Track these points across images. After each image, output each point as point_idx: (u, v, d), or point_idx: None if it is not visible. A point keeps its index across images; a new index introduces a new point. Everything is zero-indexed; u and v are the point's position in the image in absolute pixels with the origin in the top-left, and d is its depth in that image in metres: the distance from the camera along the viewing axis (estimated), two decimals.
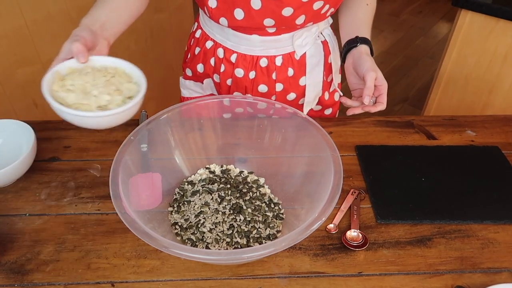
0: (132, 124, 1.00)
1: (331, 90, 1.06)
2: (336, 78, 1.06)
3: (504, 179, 0.87)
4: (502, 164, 0.91)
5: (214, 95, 1.04)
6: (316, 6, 0.81)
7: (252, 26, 0.85)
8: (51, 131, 0.99)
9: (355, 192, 0.84)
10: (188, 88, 1.07)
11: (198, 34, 0.99)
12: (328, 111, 1.09)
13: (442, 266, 0.72)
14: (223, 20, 0.85)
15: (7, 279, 0.69)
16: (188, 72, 1.05)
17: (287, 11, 0.80)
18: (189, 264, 0.72)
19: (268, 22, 0.83)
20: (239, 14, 0.83)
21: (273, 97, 0.96)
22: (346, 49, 0.87)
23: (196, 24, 1.02)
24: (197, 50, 0.99)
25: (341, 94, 1.07)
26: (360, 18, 0.91)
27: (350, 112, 0.84)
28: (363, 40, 0.86)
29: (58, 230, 0.77)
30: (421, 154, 0.93)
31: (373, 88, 0.78)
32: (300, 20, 0.83)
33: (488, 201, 0.82)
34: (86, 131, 0.99)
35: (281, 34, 0.88)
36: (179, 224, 0.76)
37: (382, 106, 0.80)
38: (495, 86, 1.48)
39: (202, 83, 1.03)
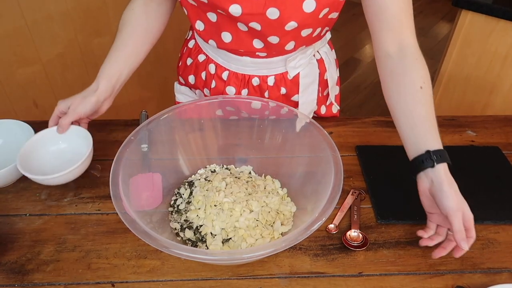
0: (132, 124, 1.00)
1: (327, 103, 1.04)
2: (333, 91, 1.03)
3: (505, 179, 0.87)
4: (503, 165, 0.91)
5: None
6: (305, 33, 0.79)
7: (241, 48, 0.83)
8: None
9: (355, 192, 0.84)
10: (183, 93, 1.06)
11: (191, 44, 0.97)
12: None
13: (443, 266, 0.72)
14: (211, 42, 0.84)
15: (7, 279, 0.69)
16: (181, 80, 1.04)
17: (273, 39, 0.79)
18: (189, 264, 0.72)
19: (258, 44, 0.81)
20: (226, 37, 0.81)
21: (267, 112, 0.90)
22: (418, 168, 0.70)
23: (190, 32, 1.00)
24: (189, 61, 0.97)
25: (338, 107, 1.06)
26: (422, 116, 0.71)
27: (436, 255, 0.70)
28: (438, 155, 0.68)
29: (58, 230, 0.77)
30: None
31: (463, 230, 0.66)
32: (289, 46, 0.81)
33: (489, 201, 0.82)
34: None
35: (273, 57, 0.85)
36: (180, 224, 0.76)
37: (472, 240, 0.67)
38: (495, 86, 1.48)
39: (196, 91, 1.03)
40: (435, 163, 0.67)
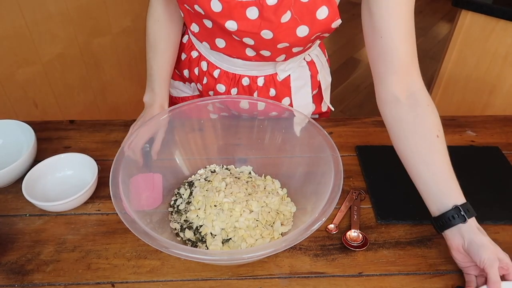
0: (132, 124, 1.00)
1: (321, 105, 1.03)
2: (327, 94, 1.02)
3: (505, 179, 0.87)
4: (503, 165, 0.91)
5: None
6: (296, 49, 0.79)
7: (233, 55, 0.84)
8: (51, 131, 0.99)
9: (355, 193, 0.84)
10: (176, 88, 1.06)
11: (185, 39, 0.98)
12: (314, 116, 1.07)
13: (443, 266, 0.72)
14: (205, 44, 0.85)
15: (7, 280, 0.69)
16: (177, 72, 1.04)
17: (265, 53, 0.80)
18: (189, 265, 0.72)
19: (250, 52, 0.82)
20: (220, 42, 0.82)
21: (255, 113, 0.91)
22: (448, 224, 0.67)
23: (184, 27, 1.00)
24: (184, 56, 0.98)
25: (333, 109, 1.06)
26: (443, 168, 0.68)
27: None
28: (466, 209, 0.66)
29: (58, 231, 0.77)
30: None
31: (500, 280, 0.62)
32: (280, 58, 0.82)
33: (488, 201, 0.82)
34: (86, 131, 0.99)
35: (264, 61, 0.85)
36: (180, 224, 0.76)
37: None
38: (495, 86, 1.48)
39: (191, 84, 1.03)
40: (467, 218, 0.65)
